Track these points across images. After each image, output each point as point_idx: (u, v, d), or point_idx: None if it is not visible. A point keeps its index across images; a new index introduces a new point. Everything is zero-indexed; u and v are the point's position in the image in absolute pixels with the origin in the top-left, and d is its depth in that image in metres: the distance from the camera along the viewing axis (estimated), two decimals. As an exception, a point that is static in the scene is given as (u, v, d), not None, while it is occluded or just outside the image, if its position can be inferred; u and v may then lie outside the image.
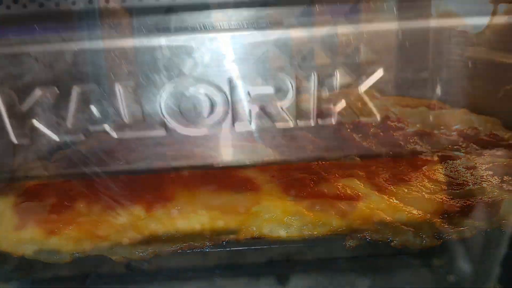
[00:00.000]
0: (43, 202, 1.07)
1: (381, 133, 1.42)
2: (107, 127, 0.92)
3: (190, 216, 0.97)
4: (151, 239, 0.95)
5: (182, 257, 0.94)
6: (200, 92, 0.91)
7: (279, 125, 0.94)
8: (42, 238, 0.98)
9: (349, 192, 1.05)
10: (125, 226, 0.99)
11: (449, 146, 1.35)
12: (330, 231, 0.95)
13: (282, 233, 0.95)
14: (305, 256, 0.98)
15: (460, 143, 1.35)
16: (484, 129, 1.49)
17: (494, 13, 1.12)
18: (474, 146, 1.33)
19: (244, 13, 0.98)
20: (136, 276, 0.99)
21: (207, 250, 0.93)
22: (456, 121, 1.57)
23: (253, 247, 0.95)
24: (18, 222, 1.02)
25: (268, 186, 1.05)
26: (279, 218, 0.97)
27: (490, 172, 1.15)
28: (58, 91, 0.90)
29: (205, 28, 0.94)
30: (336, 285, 0.95)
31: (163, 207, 1.00)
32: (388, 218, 0.97)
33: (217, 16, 0.97)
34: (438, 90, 1.04)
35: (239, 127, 0.94)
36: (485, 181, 1.10)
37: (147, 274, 0.99)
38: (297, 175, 1.10)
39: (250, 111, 0.93)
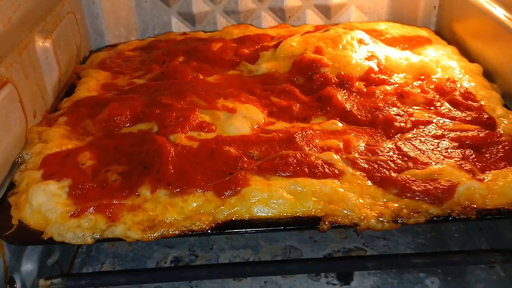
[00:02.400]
0: (104, 183, 1.15)
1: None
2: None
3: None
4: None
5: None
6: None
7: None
8: (104, 225, 1.08)
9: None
10: (197, 211, 1.11)
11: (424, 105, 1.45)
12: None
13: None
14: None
15: (435, 102, 1.45)
16: (461, 77, 1.58)
17: None
18: (448, 105, 1.44)
19: None
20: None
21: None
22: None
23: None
24: (74, 207, 1.10)
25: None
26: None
27: (455, 144, 1.28)
28: None
29: None
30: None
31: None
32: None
33: None
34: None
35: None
36: (447, 157, 1.24)
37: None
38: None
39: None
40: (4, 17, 1.27)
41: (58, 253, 1.41)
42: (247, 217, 1.12)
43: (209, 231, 1.10)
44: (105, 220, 1.10)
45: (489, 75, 1.61)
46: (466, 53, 1.76)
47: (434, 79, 1.58)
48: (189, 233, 1.09)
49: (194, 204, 1.13)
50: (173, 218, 1.10)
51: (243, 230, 1.12)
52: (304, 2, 2.12)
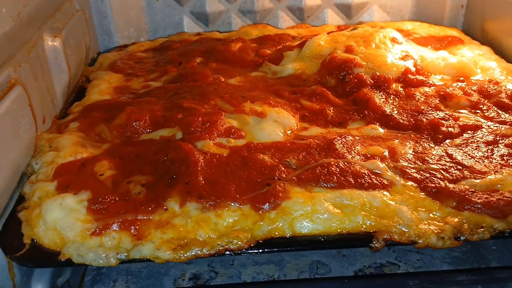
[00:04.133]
0: (126, 196, 1.04)
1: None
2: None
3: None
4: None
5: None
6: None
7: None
8: (129, 244, 0.97)
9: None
10: (233, 227, 0.99)
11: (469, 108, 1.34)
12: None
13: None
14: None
15: (481, 105, 1.34)
16: (504, 79, 1.47)
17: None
18: (495, 108, 1.33)
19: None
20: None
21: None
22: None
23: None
24: (95, 224, 0.99)
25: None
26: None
27: (511, 151, 1.17)
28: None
29: None
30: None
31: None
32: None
33: None
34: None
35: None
36: (505, 166, 1.12)
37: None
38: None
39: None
40: (14, 11, 1.15)
41: (69, 272, 1.28)
42: (289, 234, 1.00)
43: (248, 250, 0.97)
44: (131, 238, 0.97)
45: (531, 76, 1.51)
46: (502, 54, 1.66)
47: (473, 81, 1.47)
48: (226, 252, 0.97)
49: (230, 220, 1.00)
50: (207, 236, 0.98)
51: (287, 248, 0.99)
52: (324, 1, 2.02)
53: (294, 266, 1.48)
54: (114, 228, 0.98)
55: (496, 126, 1.25)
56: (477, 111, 1.32)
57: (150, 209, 1.01)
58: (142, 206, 1.02)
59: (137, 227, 0.98)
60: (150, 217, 1.00)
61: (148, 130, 1.27)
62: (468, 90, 1.39)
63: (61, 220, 1.00)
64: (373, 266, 1.48)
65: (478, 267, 1.45)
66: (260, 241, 0.98)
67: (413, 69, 1.46)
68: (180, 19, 2.01)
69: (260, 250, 0.98)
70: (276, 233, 0.99)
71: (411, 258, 1.50)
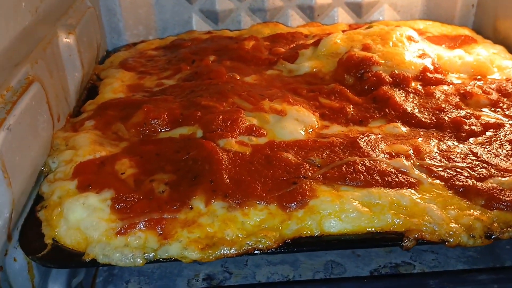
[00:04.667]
0: (150, 195, 1.01)
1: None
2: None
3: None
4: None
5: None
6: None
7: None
8: (155, 243, 0.95)
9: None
10: (260, 226, 0.97)
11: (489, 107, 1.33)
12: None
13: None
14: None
15: (501, 104, 1.33)
16: (522, 77, 1.46)
17: None
18: (515, 106, 1.32)
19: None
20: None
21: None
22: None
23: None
24: (120, 224, 0.96)
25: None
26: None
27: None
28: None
29: None
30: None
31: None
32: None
33: None
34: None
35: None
36: (531, 163, 1.11)
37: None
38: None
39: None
40: (32, 6, 1.12)
41: (83, 273, 1.25)
42: (317, 233, 0.98)
43: (277, 249, 0.95)
44: (157, 238, 0.95)
45: (547, 75, 1.50)
46: (517, 53, 1.65)
47: (490, 79, 1.46)
48: (254, 252, 0.95)
49: (257, 219, 0.99)
50: (234, 235, 0.96)
51: (319, 248, 0.98)
52: (334, 0, 2.00)
53: (309, 266, 1.46)
54: (140, 227, 0.96)
55: (518, 125, 1.24)
56: (497, 109, 1.32)
57: (175, 208, 0.99)
58: (167, 205, 1.00)
59: (163, 226, 0.96)
60: (176, 216, 0.98)
61: (166, 128, 1.25)
62: (486, 89, 1.38)
63: (85, 220, 0.98)
64: (388, 266, 1.46)
65: (494, 266, 1.44)
66: (288, 240, 0.97)
67: (431, 67, 1.45)
68: (189, 17, 1.99)
69: (289, 249, 0.96)
70: (305, 232, 0.98)
71: (426, 258, 1.48)
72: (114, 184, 1.04)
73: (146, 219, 0.96)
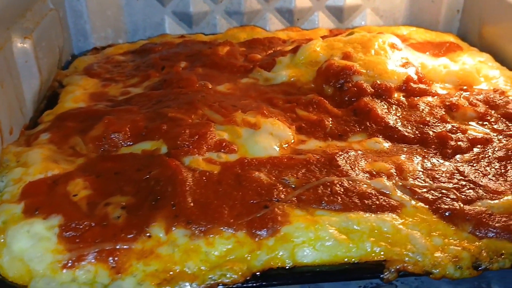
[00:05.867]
0: (104, 221, 0.91)
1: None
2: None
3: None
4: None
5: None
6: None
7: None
8: (106, 278, 0.84)
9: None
10: (226, 257, 0.87)
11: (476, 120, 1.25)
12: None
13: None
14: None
15: (489, 117, 1.25)
16: (510, 89, 1.39)
17: None
18: (504, 120, 1.24)
19: None
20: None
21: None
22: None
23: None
24: (67, 255, 0.86)
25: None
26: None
27: (524, 167, 1.08)
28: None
29: None
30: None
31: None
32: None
33: None
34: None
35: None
36: (521, 184, 1.03)
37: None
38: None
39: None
40: (-25, 9, 1.01)
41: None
42: (289, 265, 0.88)
43: (243, 283, 0.85)
44: (109, 272, 0.85)
45: (536, 85, 1.43)
46: (503, 60, 1.58)
47: (477, 90, 1.38)
48: (219, 287, 0.85)
49: (223, 248, 0.89)
50: (196, 268, 0.86)
51: (289, 281, 0.88)
52: (314, 3, 1.91)
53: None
54: (90, 260, 0.85)
55: (507, 140, 1.16)
56: (485, 123, 1.24)
57: (131, 236, 0.89)
58: (122, 232, 0.89)
59: (116, 258, 0.86)
60: (132, 246, 0.87)
61: (128, 143, 1.14)
62: (473, 101, 1.30)
63: (29, 250, 0.87)
64: (369, 286, 1.38)
65: (479, 286, 1.37)
66: (257, 273, 0.87)
67: (415, 77, 1.36)
68: (162, 19, 1.88)
69: (256, 284, 0.86)
70: (276, 263, 0.88)
71: (409, 278, 1.40)
72: (64, 208, 0.93)
73: (97, 250, 0.86)
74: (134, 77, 1.49)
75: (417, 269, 0.87)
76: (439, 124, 1.21)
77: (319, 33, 1.77)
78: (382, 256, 0.89)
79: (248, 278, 0.86)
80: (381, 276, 0.88)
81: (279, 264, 0.88)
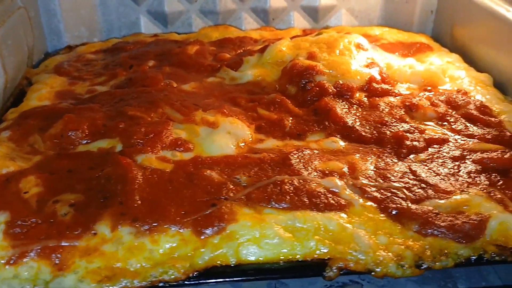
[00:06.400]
0: (51, 218, 0.91)
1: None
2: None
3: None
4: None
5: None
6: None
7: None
8: (48, 275, 0.85)
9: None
10: (170, 255, 0.88)
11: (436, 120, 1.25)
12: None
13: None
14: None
15: (448, 117, 1.26)
16: (473, 89, 1.39)
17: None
18: (463, 121, 1.25)
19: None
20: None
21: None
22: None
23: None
24: (11, 252, 0.86)
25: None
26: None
27: (479, 167, 1.08)
28: None
29: None
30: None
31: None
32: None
33: None
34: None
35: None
36: (472, 184, 1.04)
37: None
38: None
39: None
40: None
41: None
42: (233, 262, 0.89)
43: (185, 281, 0.86)
44: (51, 268, 0.85)
45: (501, 86, 1.44)
46: (472, 62, 1.59)
47: (441, 90, 1.39)
48: (160, 284, 0.85)
49: (167, 246, 0.89)
50: (139, 265, 0.86)
51: (230, 279, 0.88)
52: (289, 3, 1.92)
53: (251, 285, 1.37)
54: (32, 256, 0.86)
55: (464, 140, 1.17)
56: (444, 123, 1.24)
57: (76, 233, 0.89)
58: (67, 230, 0.89)
59: (60, 255, 0.86)
60: (76, 243, 0.88)
61: (86, 141, 1.15)
62: (435, 101, 1.31)
63: (-28, 247, 0.87)
64: (335, 285, 1.38)
65: (445, 285, 1.37)
66: (200, 270, 0.87)
67: (378, 77, 1.37)
68: (137, 19, 1.89)
69: (198, 281, 0.86)
70: (220, 261, 0.89)
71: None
72: (13, 205, 0.94)
73: (40, 246, 0.86)
74: (102, 75, 1.49)
75: (359, 267, 0.88)
76: (397, 124, 1.21)
77: (292, 33, 1.78)
78: (327, 254, 0.90)
79: (190, 275, 0.86)
80: (324, 274, 0.88)
81: (224, 262, 0.89)
